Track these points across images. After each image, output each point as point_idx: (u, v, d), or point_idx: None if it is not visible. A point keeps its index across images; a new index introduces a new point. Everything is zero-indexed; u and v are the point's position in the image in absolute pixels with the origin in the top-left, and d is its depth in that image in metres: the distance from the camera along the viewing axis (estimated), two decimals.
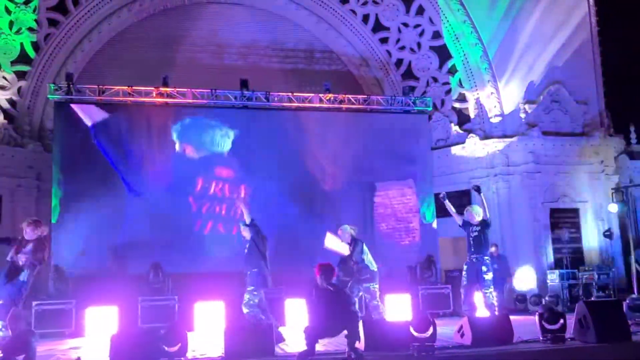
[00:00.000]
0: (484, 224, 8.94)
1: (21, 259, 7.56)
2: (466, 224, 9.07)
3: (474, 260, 8.81)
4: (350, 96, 13.89)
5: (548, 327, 7.50)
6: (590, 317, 7.38)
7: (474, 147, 15.07)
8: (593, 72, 15.35)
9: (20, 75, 14.19)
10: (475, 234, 8.87)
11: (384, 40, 16.15)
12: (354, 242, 9.16)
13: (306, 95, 13.69)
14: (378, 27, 16.11)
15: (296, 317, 10.49)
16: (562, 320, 7.52)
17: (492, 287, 8.78)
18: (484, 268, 8.74)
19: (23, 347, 6.30)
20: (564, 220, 14.67)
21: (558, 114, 15.15)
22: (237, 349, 6.71)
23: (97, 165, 12.26)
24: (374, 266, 9.15)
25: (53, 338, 9.73)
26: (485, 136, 15.12)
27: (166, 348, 6.56)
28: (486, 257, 8.78)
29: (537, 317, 7.62)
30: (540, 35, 14.90)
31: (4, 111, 13.90)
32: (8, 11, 13.74)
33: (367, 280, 9.03)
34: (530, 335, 7.69)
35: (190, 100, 13.06)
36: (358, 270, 9.04)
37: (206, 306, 10.61)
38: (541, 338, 7.49)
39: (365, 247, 9.22)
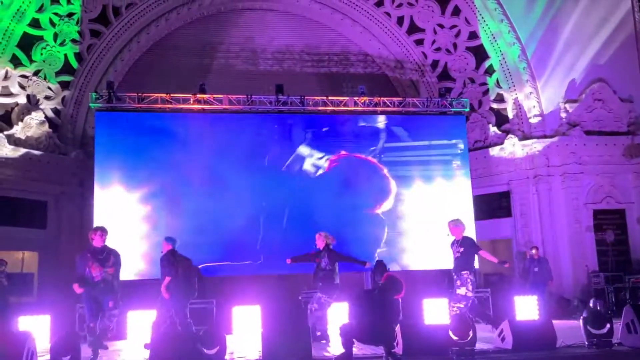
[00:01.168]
0: (468, 242, 8.63)
1: (108, 272, 8.02)
2: (452, 243, 8.83)
3: (454, 276, 8.65)
4: (385, 99, 13.82)
5: (594, 331, 7.29)
6: (638, 321, 7.13)
7: (512, 148, 14.79)
8: (638, 69, 14.86)
9: (64, 85, 14.64)
10: (458, 254, 8.63)
11: (419, 42, 16.02)
12: (326, 250, 9.14)
13: (341, 99, 13.69)
14: (413, 28, 15.98)
15: (336, 321, 10.43)
16: (608, 325, 7.30)
17: (462, 303, 8.47)
18: (458, 282, 8.54)
19: (69, 349, 6.50)
20: (608, 221, 14.23)
21: (601, 112, 14.73)
22: (275, 352, 6.73)
23: (138, 171, 12.54)
24: (336, 280, 9.08)
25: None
26: (525, 137, 14.82)
27: (205, 350, 6.65)
28: (464, 272, 8.49)
29: (581, 322, 7.42)
30: (581, 32, 14.52)
31: (49, 120, 14.34)
32: (52, 24, 14.19)
33: (321, 290, 9.02)
34: (575, 340, 7.49)
35: (227, 107, 13.22)
36: (319, 277, 9.03)
37: (244, 310, 10.68)
38: (586, 343, 7.29)
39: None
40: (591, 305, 11.25)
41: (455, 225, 8.81)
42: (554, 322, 7.68)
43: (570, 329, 8.22)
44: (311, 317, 9.17)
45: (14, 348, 6.11)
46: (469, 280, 8.48)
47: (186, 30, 15.72)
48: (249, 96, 13.18)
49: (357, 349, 7.26)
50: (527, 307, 10.82)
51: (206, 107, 13.16)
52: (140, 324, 10.41)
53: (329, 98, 13.69)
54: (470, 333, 6.91)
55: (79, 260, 8.16)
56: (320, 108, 13.58)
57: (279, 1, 15.87)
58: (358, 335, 6.72)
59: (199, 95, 13.06)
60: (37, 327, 9.06)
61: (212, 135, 13.14)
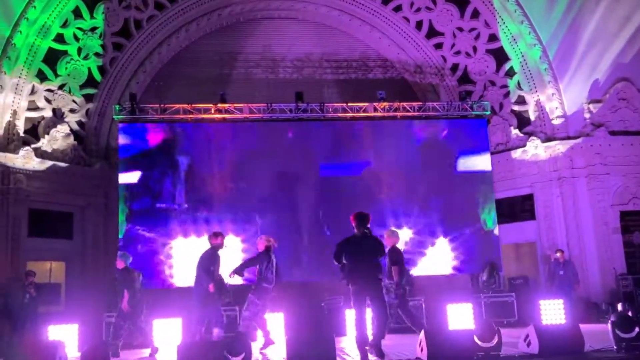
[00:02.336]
0: (390, 250, 8.78)
1: None
2: None
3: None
4: (405, 104, 13.81)
5: (622, 335, 7.17)
6: None
7: (535, 150, 14.62)
8: None
9: (88, 98, 14.92)
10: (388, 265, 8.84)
11: (438, 46, 15.96)
12: (265, 253, 9.04)
13: (361, 105, 13.71)
14: (432, 32, 15.92)
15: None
16: (637, 329, 7.17)
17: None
18: (384, 290, 8.56)
19: (99, 357, 6.63)
20: (636, 223, 13.95)
21: (626, 112, 14.49)
22: (300, 358, 6.74)
23: (160, 181, 12.73)
24: (268, 283, 9.04)
25: (121, 348, 10.06)
26: (547, 138, 14.64)
27: (231, 358, 6.69)
28: (388, 281, 8.67)
29: (610, 325, 7.29)
30: (603, 31, 14.28)
31: (74, 133, 14.62)
32: (77, 38, 14.49)
33: (253, 292, 9.00)
34: (603, 345, 7.37)
35: (247, 115, 13.35)
36: (257, 280, 9.03)
37: (268, 317, 10.70)
38: (615, 347, 7.17)
39: (273, 264, 9.05)
40: (620, 308, 11.09)
41: (388, 236, 9.02)
42: (582, 326, 7.55)
43: (599, 333, 8.09)
44: (244, 323, 9.08)
45: (46, 357, 6.26)
46: (391, 289, 8.69)
47: (206, 40, 15.91)
48: (269, 105, 13.29)
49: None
50: (553, 311, 10.69)
51: (227, 116, 13.31)
52: (167, 331, 10.53)
53: (349, 104, 13.73)
54: (496, 338, 6.86)
55: (215, 260, 8.56)
56: (340, 114, 13.63)
57: (297, 9, 15.98)
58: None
59: (219, 105, 13.22)
60: (65, 335, 9.21)
61: (234, 144, 13.29)
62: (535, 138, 14.67)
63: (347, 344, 9.38)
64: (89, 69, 14.83)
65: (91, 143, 14.90)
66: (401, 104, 13.73)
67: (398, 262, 8.65)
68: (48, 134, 14.10)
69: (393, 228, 9.42)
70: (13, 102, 13.54)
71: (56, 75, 14.33)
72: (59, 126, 14.25)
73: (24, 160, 13.41)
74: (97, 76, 14.94)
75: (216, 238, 8.76)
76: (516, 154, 14.88)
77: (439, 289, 13.55)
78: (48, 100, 14.30)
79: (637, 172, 14.18)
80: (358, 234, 7.26)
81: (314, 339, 7.16)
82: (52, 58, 14.22)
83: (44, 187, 13.81)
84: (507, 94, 15.43)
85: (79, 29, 14.46)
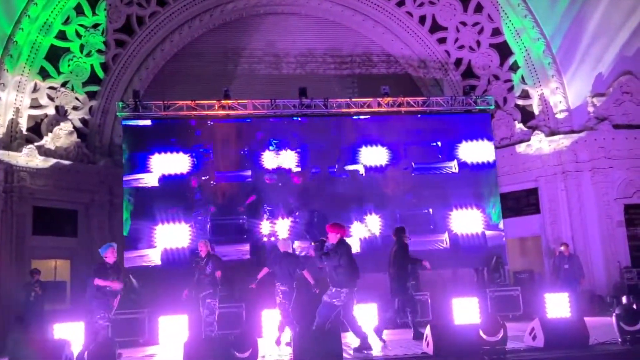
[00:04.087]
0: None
1: None
2: None
3: None
4: (409, 98, 13.78)
5: (627, 328, 7.20)
6: None
7: (539, 144, 14.59)
8: None
9: (91, 95, 14.91)
10: None
11: (442, 41, 15.91)
12: (208, 256, 9.46)
13: (364, 100, 13.68)
14: (435, 27, 15.88)
15: (365, 321, 10.43)
16: None
17: (279, 308, 9.20)
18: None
19: (107, 355, 6.66)
20: None
21: (630, 105, 14.45)
22: (306, 355, 6.76)
23: (165, 177, 12.72)
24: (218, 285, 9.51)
25: (128, 346, 10.11)
26: (551, 132, 14.61)
27: (237, 354, 6.71)
28: (276, 283, 9.31)
29: (614, 318, 7.31)
30: (608, 24, 14.19)
31: (77, 130, 14.61)
32: (79, 35, 14.47)
33: (209, 296, 9.31)
34: (608, 337, 7.38)
35: (251, 111, 13.34)
36: (206, 283, 9.33)
37: (273, 313, 10.73)
38: (620, 340, 7.18)
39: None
40: (624, 301, 11.08)
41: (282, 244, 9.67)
42: (586, 319, 7.57)
43: (603, 326, 8.10)
44: (203, 323, 9.28)
45: (52, 355, 6.29)
46: (279, 291, 9.22)
47: (209, 36, 15.88)
48: (273, 100, 13.27)
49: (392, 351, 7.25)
50: (558, 305, 10.71)
51: (231, 112, 13.30)
52: (172, 328, 10.58)
53: (353, 100, 13.70)
54: (501, 332, 6.87)
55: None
56: (344, 110, 13.61)
57: (300, 4, 15.94)
58: None
59: (223, 101, 13.20)
60: (71, 334, 9.24)
61: (238, 140, 13.30)
62: (539, 132, 14.64)
63: (353, 340, 9.40)
64: (92, 66, 14.82)
65: (95, 140, 14.90)
66: (405, 99, 13.70)
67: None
68: (51, 131, 14.11)
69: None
70: (15, 100, 13.56)
71: (59, 73, 14.33)
72: (62, 124, 14.25)
73: (28, 158, 13.42)
74: (100, 73, 14.93)
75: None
76: (520, 148, 14.86)
77: (445, 284, 13.57)
78: (51, 98, 14.30)
79: None
80: (343, 242, 7.95)
81: (321, 335, 7.17)
82: (55, 55, 14.21)
83: (47, 185, 13.82)
84: (511, 89, 15.39)
85: (81, 25, 14.45)
